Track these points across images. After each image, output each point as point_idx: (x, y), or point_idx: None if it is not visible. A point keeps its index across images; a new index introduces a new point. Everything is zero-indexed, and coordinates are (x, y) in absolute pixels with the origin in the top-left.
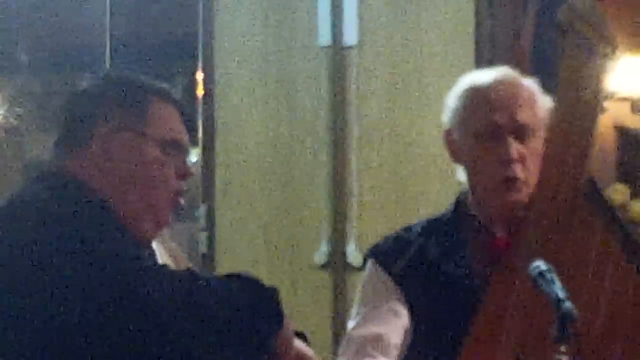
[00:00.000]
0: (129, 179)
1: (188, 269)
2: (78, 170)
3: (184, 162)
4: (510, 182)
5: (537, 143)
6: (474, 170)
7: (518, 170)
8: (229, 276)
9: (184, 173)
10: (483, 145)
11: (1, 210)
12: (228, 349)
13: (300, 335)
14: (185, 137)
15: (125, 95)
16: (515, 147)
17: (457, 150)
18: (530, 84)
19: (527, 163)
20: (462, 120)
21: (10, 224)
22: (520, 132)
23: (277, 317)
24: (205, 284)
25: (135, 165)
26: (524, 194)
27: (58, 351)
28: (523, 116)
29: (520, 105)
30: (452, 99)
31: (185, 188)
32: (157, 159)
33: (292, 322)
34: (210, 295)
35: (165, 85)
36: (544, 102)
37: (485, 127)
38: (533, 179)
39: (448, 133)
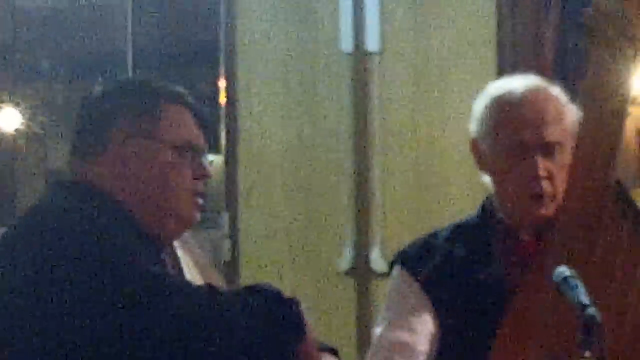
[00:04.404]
0: (145, 184)
1: (208, 283)
2: (95, 178)
3: (201, 164)
4: (538, 198)
5: (565, 157)
6: (501, 183)
7: (546, 187)
8: (249, 289)
9: (201, 174)
10: (511, 161)
11: (21, 221)
12: None
13: (332, 351)
14: (200, 139)
15: (137, 100)
16: (543, 164)
17: (484, 161)
18: (558, 94)
19: (554, 178)
20: (489, 134)
21: (29, 235)
22: (548, 149)
23: (298, 330)
24: (224, 298)
25: (151, 170)
26: (551, 209)
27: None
28: (551, 134)
29: (548, 123)
30: (479, 109)
31: (204, 189)
32: (171, 163)
33: (315, 335)
34: (230, 310)
35: (178, 88)
36: (572, 114)
37: (513, 144)
38: (560, 193)
39: (475, 142)
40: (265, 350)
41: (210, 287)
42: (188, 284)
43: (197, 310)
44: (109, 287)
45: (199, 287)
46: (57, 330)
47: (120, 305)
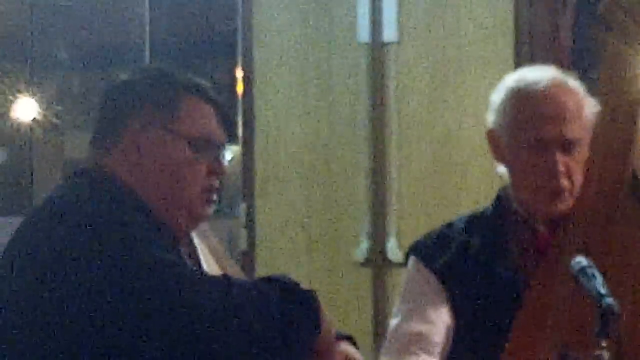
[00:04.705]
0: (158, 176)
1: (224, 274)
2: (112, 167)
3: (218, 160)
4: (556, 194)
5: (583, 151)
6: (518, 176)
7: (564, 183)
8: (265, 280)
9: (217, 171)
10: (529, 156)
11: (38, 210)
12: (265, 355)
13: (349, 339)
14: (218, 135)
15: (158, 90)
16: (562, 160)
17: (501, 152)
18: (576, 88)
19: (572, 173)
20: (508, 127)
21: (46, 222)
22: (568, 146)
23: (315, 321)
24: (240, 289)
25: (165, 162)
26: (568, 204)
27: (90, 351)
28: (571, 131)
29: (568, 119)
30: (497, 100)
31: (218, 185)
32: (186, 156)
33: (333, 325)
34: (246, 301)
35: (202, 81)
36: (590, 108)
37: (532, 140)
38: (578, 187)
39: (492, 133)
40: (281, 342)
41: (226, 278)
42: (204, 273)
43: (212, 300)
44: (124, 276)
45: (214, 277)
46: (73, 316)
47: (134, 294)
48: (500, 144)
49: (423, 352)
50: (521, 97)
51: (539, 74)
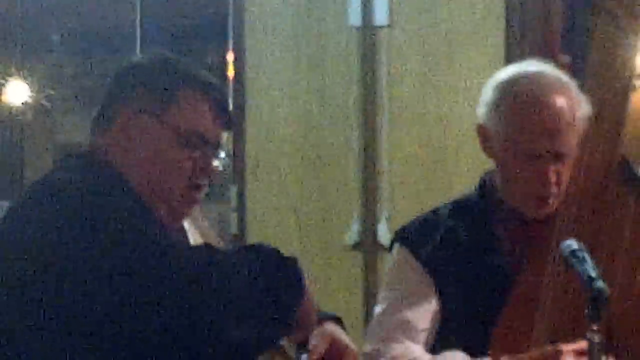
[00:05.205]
0: (144, 163)
1: (205, 243)
2: (105, 149)
3: (207, 158)
4: (544, 200)
5: (573, 155)
6: (507, 176)
7: (553, 190)
8: (248, 247)
9: (204, 168)
10: (520, 163)
11: (29, 192)
12: (248, 320)
13: (337, 320)
14: (212, 132)
15: (157, 78)
16: (553, 170)
17: (490, 147)
18: (570, 90)
19: (562, 180)
20: (499, 130)
21: (37, 204)
22: (560, 157)
23: (298, 287)
24: (222, 256)
25: (150, 151)
26: (554, 206)
27: (80, 324)
28: (564, 144)
29: (563, 132)
30: (488, 96)
31: (205, 183)
32: (173, 149)
33: (314, 296)
34: (228, 267)
35: (208, 76)
36: (583, 109)
37: (525, 151)
38: (564, 189)
39: (482, 127)
40: (264, 306)
41: (207, 246)
42: (185, 243)
43: (195, 268)
44: (108, 251)
45: (197, 246)
46: (64, 296)
47: (119, 268)
48: (489, 140)
49: (407, 339)
50: (514, 104)
51: (534, 75)
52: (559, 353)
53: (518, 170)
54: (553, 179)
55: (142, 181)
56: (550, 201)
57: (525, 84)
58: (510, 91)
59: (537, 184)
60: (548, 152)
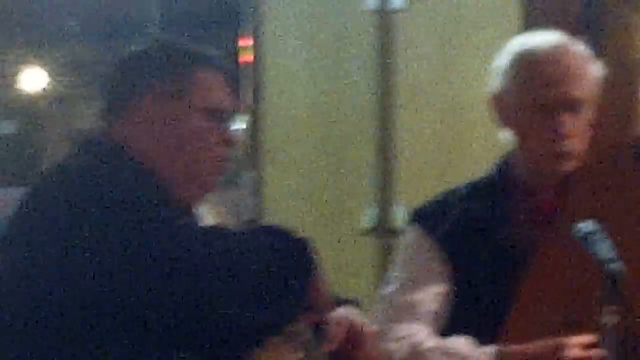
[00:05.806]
0: (170, 146)
1: (217, 225)
2: (121, 137)
3: (228, 129)
4: (561, 156)
5: (588, 114)
6: (524, 139)
7: (569, 145)
8: (260, 228)
9: (227, 140)
10: (535, 118)
11: (45, 177)
12: (260, 300)
13: (352, 303)
14: (229, 105)
15: (170, 61)
16: (568, 122)
17: (506, 116)
18: (581, 51)
19: (578, 135)
20: (513, 90)
21: (53, 190)
22: (572, 106)
23: (310, 267)
24: (234, 237)
25: (177, 132)
26: (573, 165)
27: (93, 305)
28: (576, 91)
29: (572, 80)
30: (502, 64)
31: (230, 154)
32: (199, 126)
33: (325, 276)
34: (240, 247)
35: (213, 51)
36: (595, 71)
37: (538, 102)
38: (582, 150)
39: (496, 97)
40: (276, 286)
41: (220, 227)
42: (198, 225)
43: (207, 248)
44: (123, 233)
45: (209, 227)
46: (79, 280)
47: (133, 250)
48: (505, 107)
49: (416, 320)
50: (526, 61)
51: (543, 38)
52: (561, 346)
53: (533, 127)
54: (567, 131)
55: (169, 164)
56: (568, 158)
57: (535, 44)
58: (521, 52)
59: (552, 139)
60: (560, 100)
